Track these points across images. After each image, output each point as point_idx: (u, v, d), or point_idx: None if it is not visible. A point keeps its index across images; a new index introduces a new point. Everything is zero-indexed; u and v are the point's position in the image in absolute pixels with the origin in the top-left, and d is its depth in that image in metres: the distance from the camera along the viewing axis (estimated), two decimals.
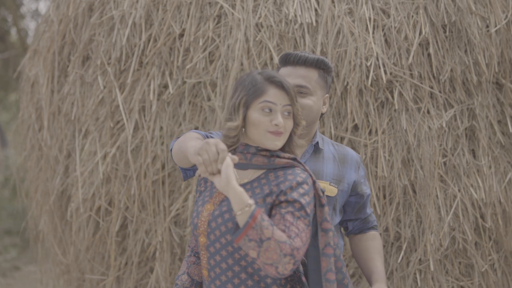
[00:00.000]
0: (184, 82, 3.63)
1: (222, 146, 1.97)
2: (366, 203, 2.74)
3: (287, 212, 2.08)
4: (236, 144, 2.18)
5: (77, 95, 3.87)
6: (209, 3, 3.66)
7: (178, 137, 2.40)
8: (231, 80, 3.51)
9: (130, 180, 3.68)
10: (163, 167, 3.65)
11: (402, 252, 3.50)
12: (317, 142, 2.60)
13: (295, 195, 2.11)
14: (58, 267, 4.22)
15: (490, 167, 3.62)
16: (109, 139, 3.72)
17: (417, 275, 3.52)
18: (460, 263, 3.61)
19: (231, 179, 1.96)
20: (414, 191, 3.56)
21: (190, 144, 2.12)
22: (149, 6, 3.71)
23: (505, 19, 3.70)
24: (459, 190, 3.56)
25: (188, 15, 3.65)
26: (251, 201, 2.00)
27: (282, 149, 2.26)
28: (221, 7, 3.64)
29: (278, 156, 2.20)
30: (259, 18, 3.57)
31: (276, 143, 2.16)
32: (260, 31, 3.57)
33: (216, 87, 3.59)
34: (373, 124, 3.53)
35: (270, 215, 2.12)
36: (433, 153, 3.52)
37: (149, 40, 3.71)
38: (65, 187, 3.97)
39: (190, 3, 3.66)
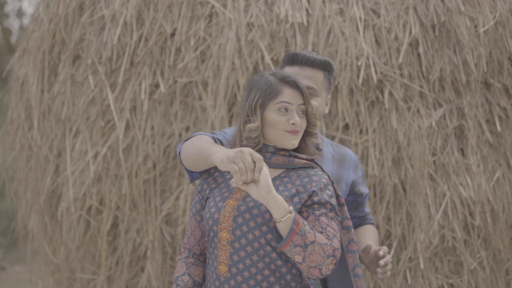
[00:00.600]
0: (176, 82, 3.64)
1: (258, 155, 2.01)
2: (363, 202, 2.77)
3: (321, 214, 2.13)
4: (259, 145, 2.22)
5: (67, 95, 3.86)
6: (200, 2, 3.67)
7: (186, 140, 2.40)
8: (223, 79, 3.52)
9: (121, 180, 3.68)
10: (154, 166, 3.66)
11: (393, 250, 3.53)
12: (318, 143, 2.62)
13: (325, 196, 2.17)
14: (48, 267, 4.21)
15: (478, 166, 3.66)
16: (100, 138, 3.72)
17: (407, 273, 3.55)
18: (449, 260, 3.65)
19: (271, 188, 2.00)
20: (404, 190, 3.59)
21: (214, 149, 2.12)
22: (140, 5, 3.71)
23: (493, 19, 3.74)
24: (448, 189, 3.60)
25: (179, 15, 3.66)
26: (291, 208, 2.04)
27: (301, 150, 2.30)
28: (213, 6, 3.65)
29: (296, 157, 2.25)
30: (251, 17, 3.58)
31: (293, 142, 2.20)
32: (251, 30, 3.59)
33: (207, 86, 3.60)
34: (364, 123, 3.56)
35: (300, 209, 2.17)
36: (423, 152, 3.56)
37: (140, 40, 3.71)
38: (56, 187, 3.96)
39: (182, 2, 3.67)
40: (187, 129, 3.64)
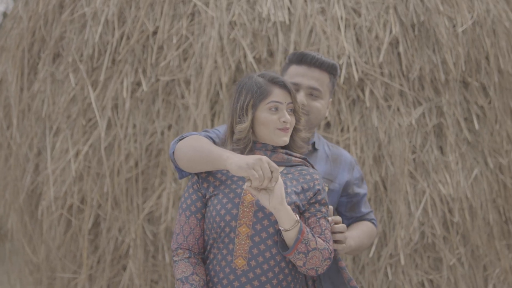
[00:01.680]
0: (158, 80, 3.63)
1: (275, 165, 2.13)
2: (359, 203, 2.75)
3: (321, 216, 2.28)
4: (249, 144, 2.30)
5: (47, 93, 3.83)
6: (183, 1, 3.67)
7: (180, 139, 2.40)
8: (205, 77, 3.53)
9: (103, 178, 3.66)
10: (136, 164, 3.65)
11: (374, 247, 3.57)
12: (314, 142, 2.62)
13: (325, 196, 2.33)
14: (27, 267, 4.17)
15: (457, 163, 3.72)
16: (81, 137, 3.70)
17: (388, 269, 3.60)
18: (429, 257, 3.70)
19: (284, 199, 2.13)
20: (385, 187, 3.63)
21: (226, 154, 2.18)
22: (122, 3, 3.70)
23: (471, 19, 3.80)
24: (428, 186, 3.65)
25: (161, 13, 3.66)
26: (297, 217, 2.17)
27: (290, 146, 2.39)
28: (195, 5, 3.65)
29: (292, 155, 2.36)
30: (233, 16, 3.60)
31: (285, 139, 2.30)
32: (233, 29, 3.60)
33: (189, 84, 3.61)
34: (345, 122, 3.60)
35: (303, 211, 2.29)
36: (403, 149, 3.60)
37: (122, 38, 3.70)
38: (36, 186, 3.93)
39: (164, 1, 3.66)
40: (170, 127, 3.64)
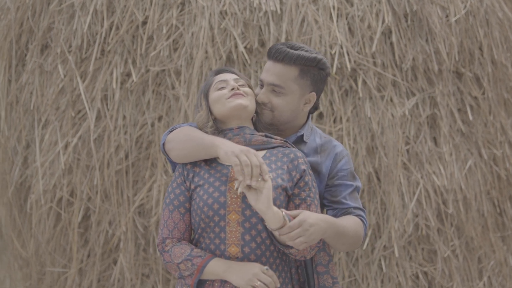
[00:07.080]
0: (148, 70, 3.58)
1: (262, 160, 2.12)
2: (341, 188, 2.44)
3: (311, 202, 2.27)
4: (212, 126, 2.31)
5: (36, 84, 3.78)
6: None
7: (171, 130, 2.34)
8: (196, 68, 3.48)
9: (93, 170, 3.61)
10: (126, 156, 3.60)
11: (367, 239, 3.53)
12: (302, 135, 2.46)
13: (312, 177, 2.33)
14: (16, 262, 4.11)
15: (451, 154, 3.68)
16: (70, 129, 3.64)
17: (382, 261, 3.56)
18: (423, 249, 3.67)
19: (271, 202, 2.11)
20: (379, 179, 3.59)
21: (218, 141, 2.18)
22: None
23: (464, 9, 3.77)
24: (421, 177, 3.61)
25: (151, 3, 3.61)
26: (283, 213, 2.15)
27: (258, 128, 2.38)
28: None
29: (271, 137, 2.33)
30: (224, 5, 3.55)
31: (240, 102, 2.27)
32: (224, 18, 3.55)
33: (180, 75, 3.56)
34: (338, 112, 3.55)
35: (291, 194, 2.27)
36: (397, 140, 3.56)
37: (111, 28, 3.65)
38: (24, 179, 3.87)
39: None
40: (160, 118, 3.59)
